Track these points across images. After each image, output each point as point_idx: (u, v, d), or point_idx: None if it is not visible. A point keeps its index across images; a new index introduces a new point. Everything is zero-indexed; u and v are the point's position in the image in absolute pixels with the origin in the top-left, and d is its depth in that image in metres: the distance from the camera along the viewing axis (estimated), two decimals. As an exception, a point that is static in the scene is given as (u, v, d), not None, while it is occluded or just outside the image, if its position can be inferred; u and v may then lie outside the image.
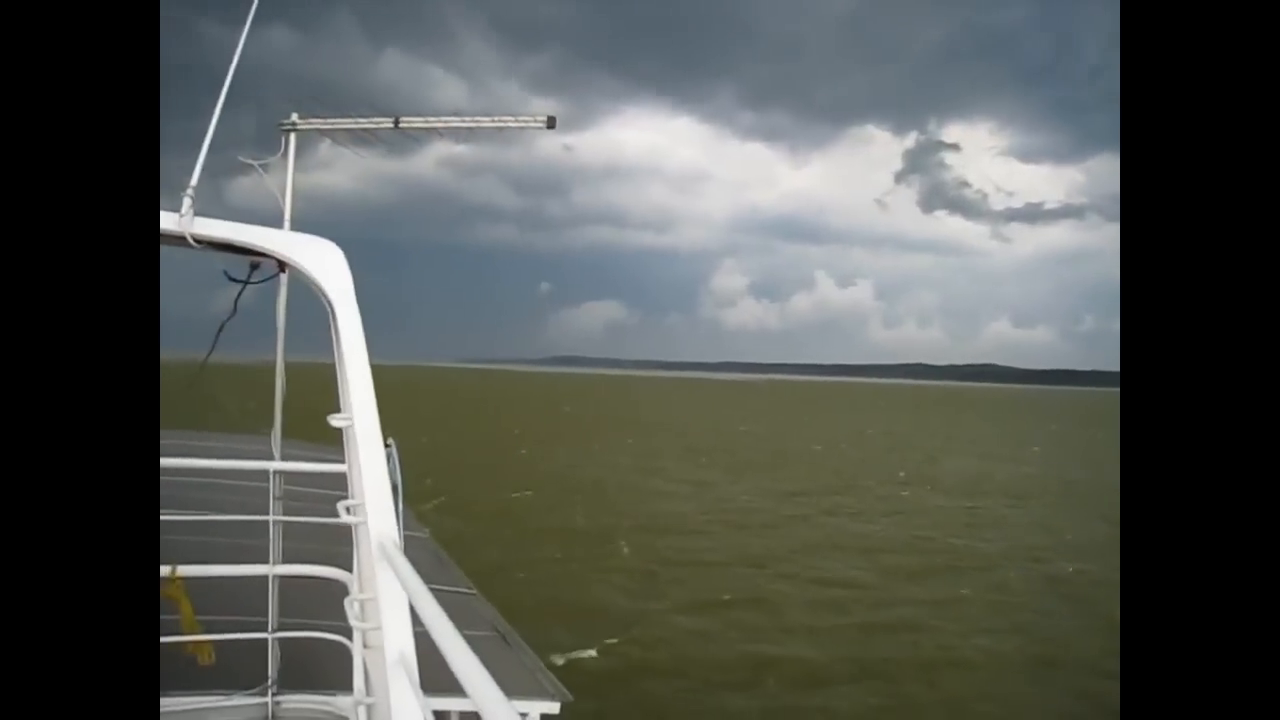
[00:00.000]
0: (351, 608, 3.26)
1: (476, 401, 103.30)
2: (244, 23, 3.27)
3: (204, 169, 2.79)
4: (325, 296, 2.94)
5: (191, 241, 2.72)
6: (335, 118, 5.00)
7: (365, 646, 3.09)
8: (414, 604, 2.08)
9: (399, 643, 2.66)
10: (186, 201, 2.71)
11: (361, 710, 3.68)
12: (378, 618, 2.91)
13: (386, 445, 3.00)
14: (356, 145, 5.10)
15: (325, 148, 5.10)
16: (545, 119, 5.04)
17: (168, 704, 4.08)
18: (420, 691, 2.45)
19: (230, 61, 3.14)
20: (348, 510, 3.16)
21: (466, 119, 5.02)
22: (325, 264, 2.89)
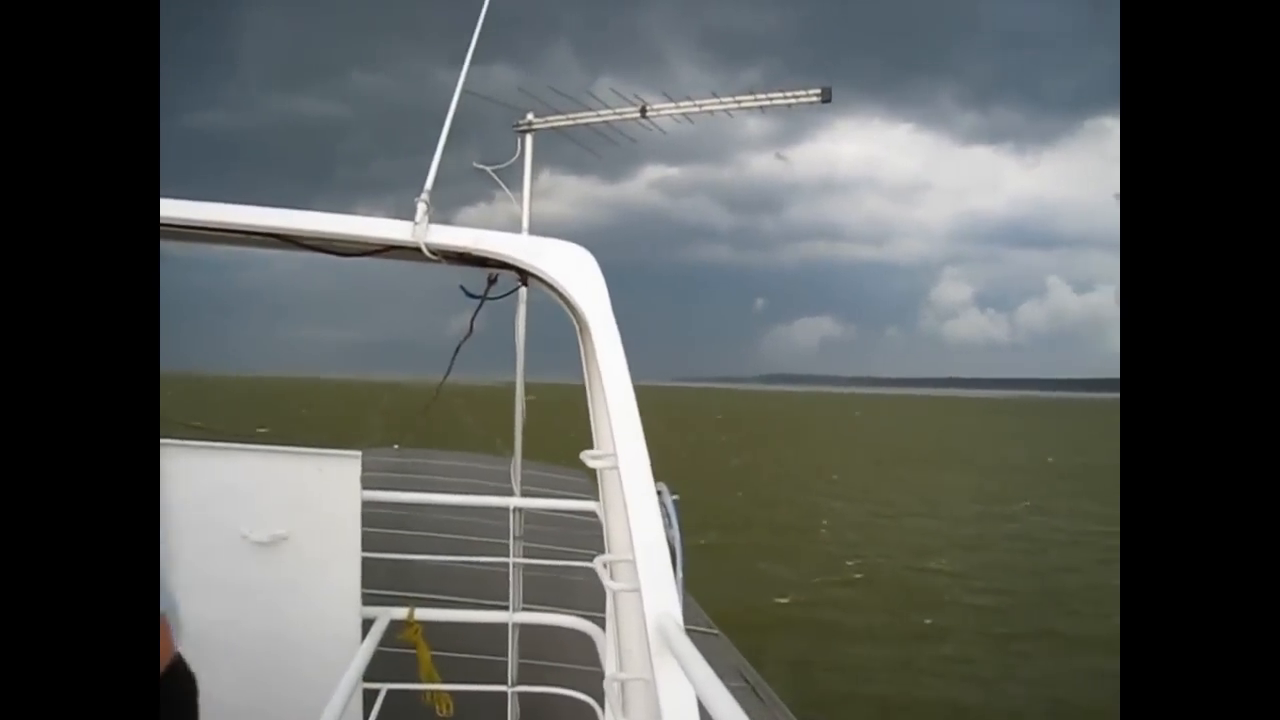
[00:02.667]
0: (611, 688, 2.89)
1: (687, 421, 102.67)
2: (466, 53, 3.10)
3: (433, 185, 2.60)
4: (575, 310, 2.59)
5: (427, 252, 2.49)
6: (573, 112, 4.54)
7: None
8: (710, 706, 1.78)
9: None
10: (421, 208, 2.48)
11: None
12: (649, 705, 2.56)
13: (658, 491, 2.55)
14: (595, 146, 4.66)
15: (545, 177, 4.66)
16: (820, 91, 4.37)
17: None
18: None
19: (459, 75, 2.97)
20: (605, 568, 2.80)
21: (725, 100, 4.45)
22: (576, 272, 2.56)
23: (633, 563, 2.51)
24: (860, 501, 34.53)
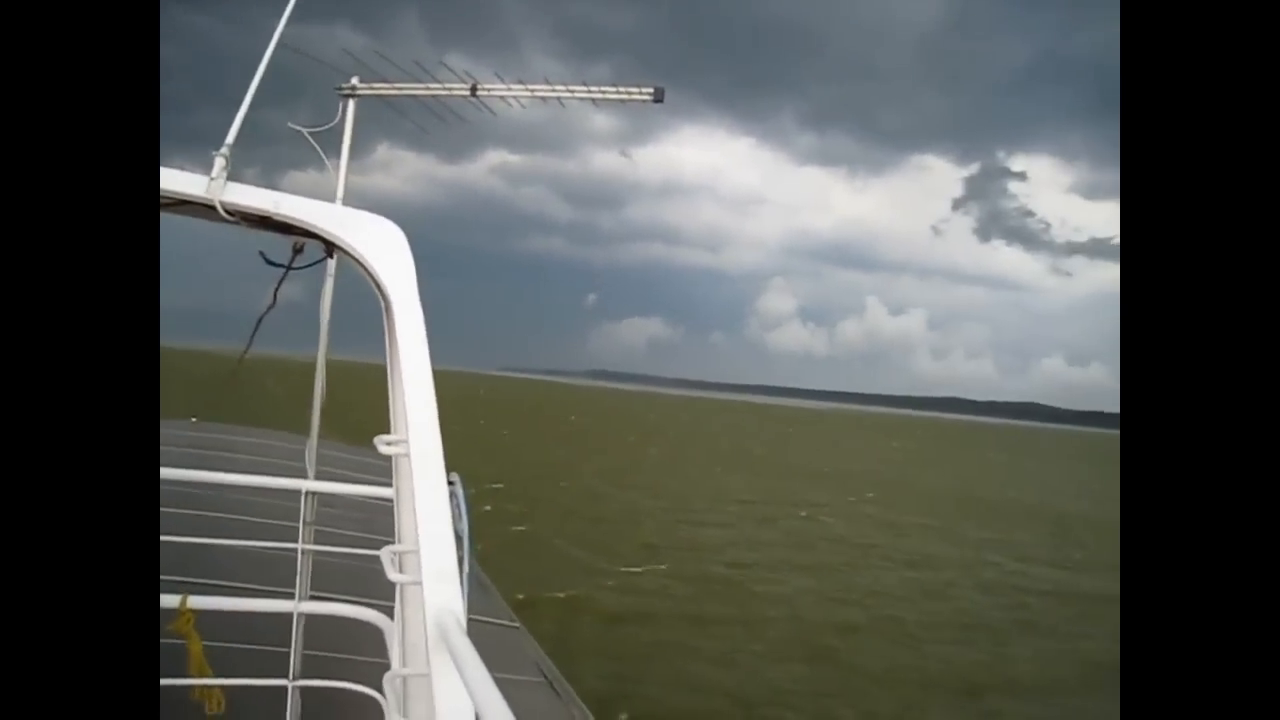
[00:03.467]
0: (392, 684, 2.84)
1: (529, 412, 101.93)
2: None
3: (240, 138, 2.43)
4: (380, 287, 2.51)
5: (222, 211, 2.34)
6: (402, 82, 4.38)
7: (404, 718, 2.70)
8: (481, 709, 1.75)
9: None
10: (219, 163, 2.32)
11: None
12: (428, 701, 2.52)
13: (450, 482, 2.49)
14: (422, 121, 4.53)
15: (383, 150, 4.55)
16: (652, 90, 4.31)
17: None
18: None
19: (275, 27, 2.81)
20: (394, 560, 2.70)
21: (558, 87, 4.37)
22: (383, 247, 2.46)
23: (415, 555, 2.43)
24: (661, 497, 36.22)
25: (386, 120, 4.62)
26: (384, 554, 2.73)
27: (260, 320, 3.06)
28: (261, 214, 2.39)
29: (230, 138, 2.39)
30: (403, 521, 2.71)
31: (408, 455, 2.39)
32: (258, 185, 2.39)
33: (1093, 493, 53.04)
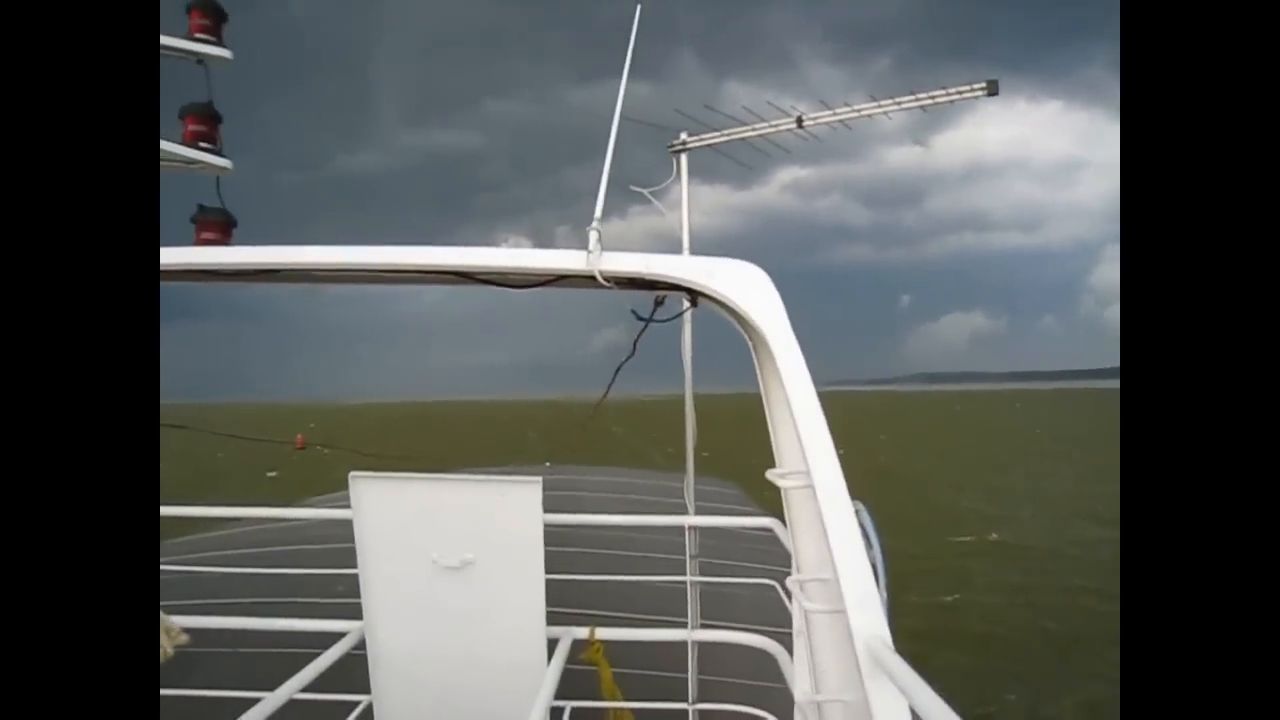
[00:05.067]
0: (808, 710, 2.84)
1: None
2: (621, 73, 3.13)
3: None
4: (751, 327, 2.58)
5: (601, 279, 2.50)
6: (731, 129, 4.49)
7: None
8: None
9: None
10: (593, 237, 2.49)
11: None
12: None
13: (855, 511, 2.47)
14: (748, 160, 4.60)
15: (675, 190, 4.53)
16: (985, 84, 4.20)
17: None
18: None
19: (617, 97, 3.00)
20: (800, 588, 2.75)
21: (884, 102, 4.34)
22: (750, 290, 2.55)
23: (827, 582, 2.45)
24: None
25: (697, 164, 4.61)
26: (791, 583, 2.80)
27: (619, 368, 3.18)
28: (633, 276, 2.55)
29: (598, 212, 2.58)
30: (802, 550, 2.74)
31: (809, 486, 2.41)
32: (571, 238, 2.55)
33: None
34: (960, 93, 4.19)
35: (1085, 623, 17.95)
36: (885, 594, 2.35)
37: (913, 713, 2.07)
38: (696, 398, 4.36)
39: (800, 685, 2.93)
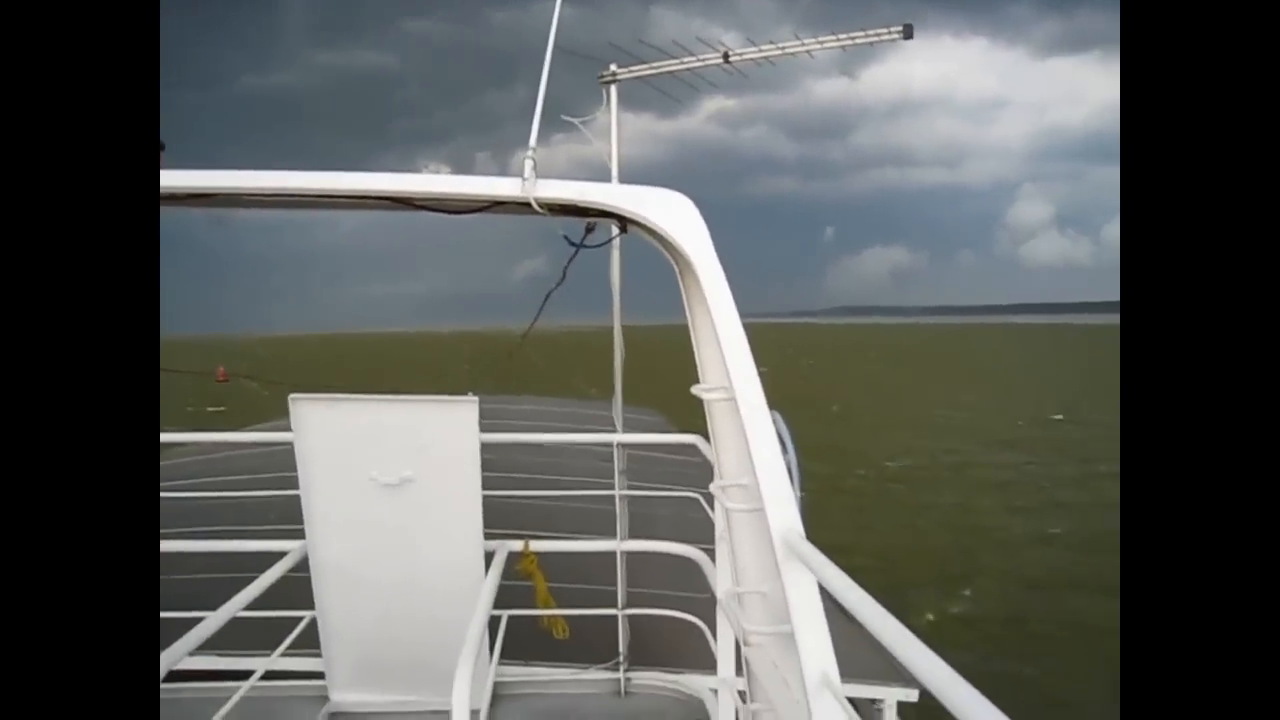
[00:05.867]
0: (729, 603, 3.04)
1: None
2: None
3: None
4: (679, 254, 2.68)
5: (536, 206, 2.55)
6: (659, 62, 4.54)
7: (746, 644, 2.88)
8: (845, 601, 1.94)
9: (817, 650, 2.34)
10: (529, 164, 2.52)
11: (724, 692, 3.53)
12: (767, 614, 2.72)
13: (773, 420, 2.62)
14: (676, 93, 4.69)
15: (601, 115, 4.54)
16: (901, 28, 4.37)
17: (530, 673, 4.34)
18: (846, 702, 2.26)
19: (547, 23, 3.00)
20: (723, 493, 2.91)
21: (808, 41, 4.48)
22: (679, 219, 2.64)
23: (747, 487, 2.62)
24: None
25: (624, 92, 4.63)
26: (714, 488, 2.98)
27: (549, 295, 3.23)
28: (567, 203, 2.60)
29: (532, 140, 2.60)
30: (724, 460, 2.89)
31: (731, 399, 2.55)
32: (490, 165, 2.90)
33: None
34: (879, 34, 4.36)
35: (973, 541, 19.40)
36: (799, 492, 2.51)
37: (821, 591, 2.28)
38: (624, 330, 4.48)
39: (722, 585, 3.11)
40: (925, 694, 4.57)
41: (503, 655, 4.14)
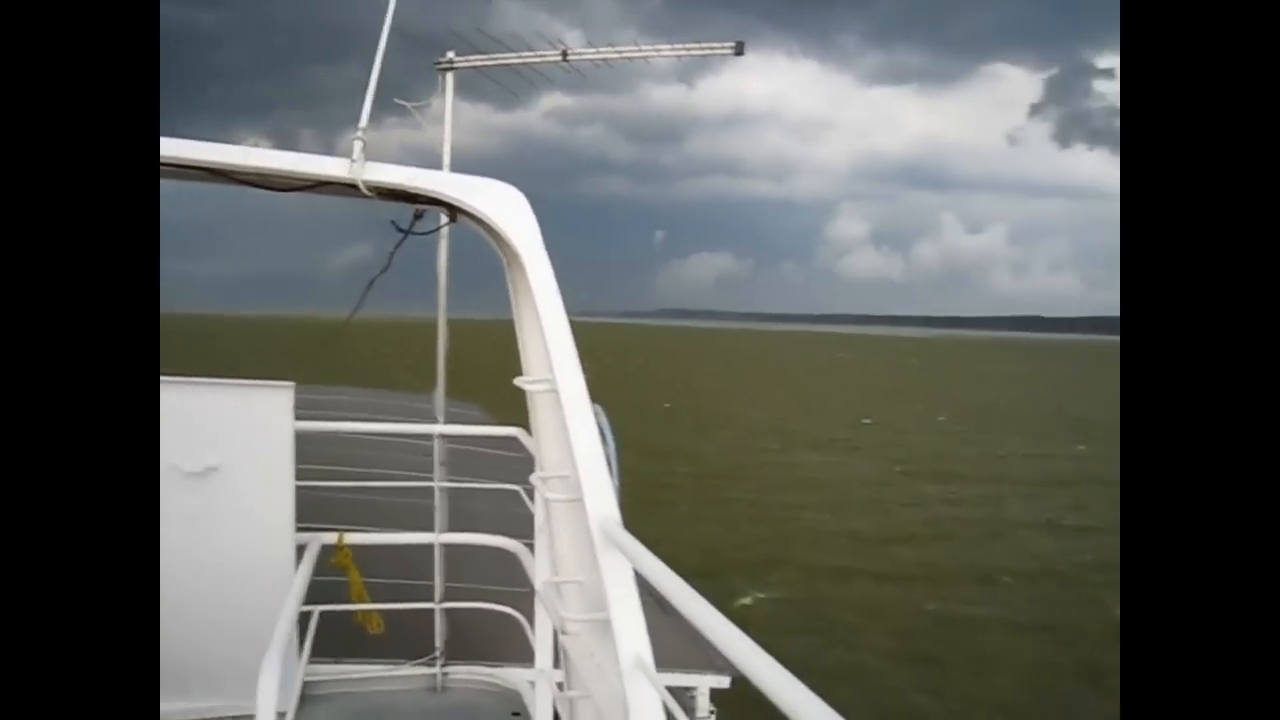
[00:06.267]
0: (547, 592, 3.03)
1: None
2: None
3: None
4: (508, 246, 2.66)
5: (364, 189, 2.49)
6: (498, 53, 4.51)
7: (564, 634, 2.88)
8: (662, 587, 1.95)
9: (632, 635, 2.36)
10: (358, 146, 2.46)
11: (541, 682, 3.53)
12: (585, 602, 2.74)
13: (594, 413, 2.64)
14: (515, 85, 4.71)
15: (438, 102, 4.49)
16: (733, 45, 4.53)
17: (342, 670, 4.19)
18: (661, 684, 2.27)
19: (386, 3, 2.89)
20: (543, 484, 2.91)
21: (645, 48, 4.55)
22: (508, 210, 2.62)
23: (567, 478, 2.64)
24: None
25: (461, 80, 4.58)
26: (534, 479, 2.98)
27: (372, 282, 3.13)
28: (396, 188, 2.55)
29: (363, 121, 2.51)
30: (545, 451, 2.90)
31: (554, 391, 2.56)
32: (315, 143, 2.87)
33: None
34: (713, 48, 4.52)
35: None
36: (617, 483, 2.56)
37: (637, 576, 2.33)
38: (450, 323, 4.42)
39: (541, 575, 3.13)
40: (737, 680, 4.64)
41: (314, 653, 3.97)
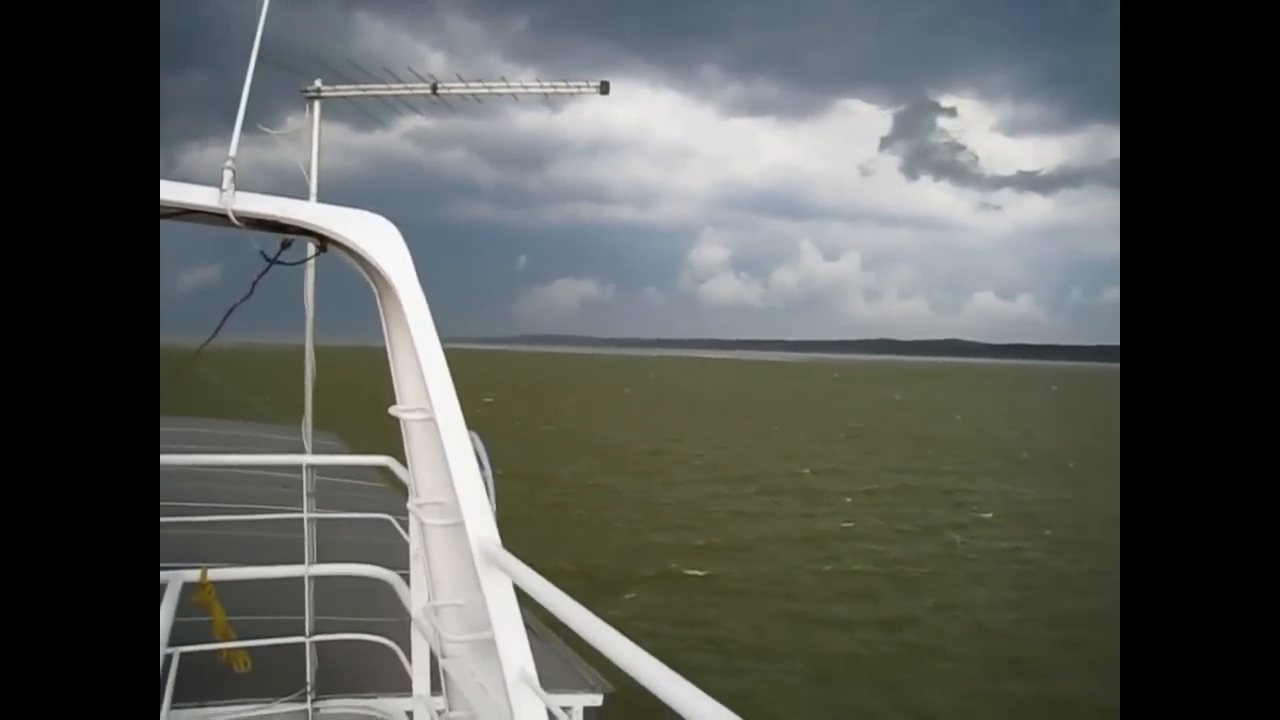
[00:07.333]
0: (425, 618, 3.00)
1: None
2: None
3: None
4: (381, 277, 2.66)
5: (234, 219, 2.45)
6: (366, 84, 4.52)
7: (444, 657, 2.88)
8: (546, 602, 1.99)
9: (515, 650, 2.39)
10: (228, 176, 2.42)
11: (420, 709, 3.49)
12: (463, 625, 2.73)
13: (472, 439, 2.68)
14: (377, 111, 4.69)
15: (291, 120, 4.33)
16: (599, 84, 4.62)
17: (206, 714, 4.02)
18: (546, 696, 2.32)
19: (256, 28, 2.84)
20: (420, 509, 2.91)
21: (513, 85, 4.62)
22: (381, 242, 2.62)
23: (444, 504, 2.68)
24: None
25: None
26: (410, 506, 2.98)
27: (232, 310, 3.02)
28: (268, 218, 2.51)
29: (232, 150, 2.46)
30: (419, 478, 2.89)
31: (431, 419, 2.59)
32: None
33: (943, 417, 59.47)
34: (578, 86, 4.64)
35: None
36: (495, 507, 2.62)
37: (517, 592, 2.39)
38: (318, 349, 4.33)
39: (418, 601, 3.13)
40: (609, 698, 4.77)
41: (176, 698, 3.77)
